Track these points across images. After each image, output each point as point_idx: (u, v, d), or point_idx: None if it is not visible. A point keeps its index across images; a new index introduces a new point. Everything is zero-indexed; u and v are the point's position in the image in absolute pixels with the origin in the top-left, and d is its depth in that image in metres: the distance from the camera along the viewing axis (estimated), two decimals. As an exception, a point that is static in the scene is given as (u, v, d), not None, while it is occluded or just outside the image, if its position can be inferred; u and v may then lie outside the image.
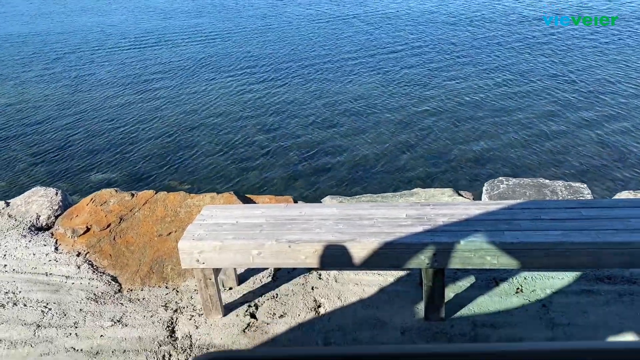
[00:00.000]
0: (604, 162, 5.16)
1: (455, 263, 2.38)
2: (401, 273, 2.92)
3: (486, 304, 2.66)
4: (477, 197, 3.75)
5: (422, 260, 2.40)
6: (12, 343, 2.65)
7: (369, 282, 2.88)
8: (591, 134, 5.73)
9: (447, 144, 5.72)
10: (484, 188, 3.61)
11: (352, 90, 7.56)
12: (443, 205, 2.72)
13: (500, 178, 3.70)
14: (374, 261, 2.46)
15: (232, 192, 3.81)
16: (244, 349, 2.30)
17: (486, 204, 2.67)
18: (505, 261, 2.31)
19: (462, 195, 3.63)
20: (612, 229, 2.30)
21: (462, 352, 0.68)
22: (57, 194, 3.90)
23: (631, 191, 3.56)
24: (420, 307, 2.65)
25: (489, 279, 2.83)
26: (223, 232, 2.60)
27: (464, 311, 2.63)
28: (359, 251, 2.45)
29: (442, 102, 6.90)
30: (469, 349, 0.68)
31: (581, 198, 3.39)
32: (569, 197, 3.38)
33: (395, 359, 0.68)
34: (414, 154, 5.57)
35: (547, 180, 3.61)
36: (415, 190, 3.83)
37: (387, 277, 2.91)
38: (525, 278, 2.79)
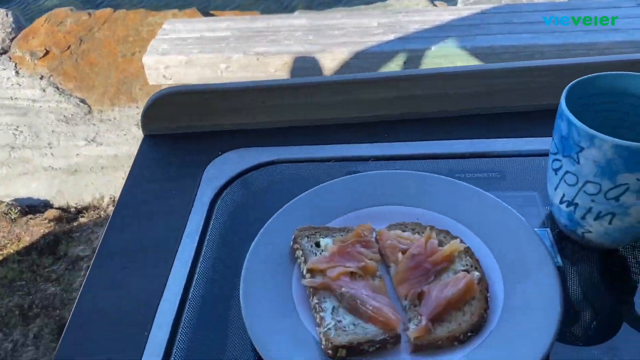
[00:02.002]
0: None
1: (425, 70, 2.38)
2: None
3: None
4: (452, 8, 3.62)
5: (392, 68, 2.39)
6: (-11, 164, 2.69)
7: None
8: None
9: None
10: (459, -3, 3.48)
11: None
12: (415, 12, 2.64)
13: (476, -14, 3.54)
14: (344, 71, 2.44)
15: (195, 9, 3.59)
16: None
17: (459, 10, 2.60)
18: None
19: (436, 6, 3.50)
20: (583, 31, 2.29)
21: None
22: (7, 15, 3.63)
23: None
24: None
25: (458, 89, 2.87)
26: (188, 47, 2.52)
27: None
28: (329, 62, 2.42)
29: None
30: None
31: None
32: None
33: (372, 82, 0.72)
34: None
35: (524, -13, 3.48)
36: (388, 2, 3.67)
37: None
38: (493, 86, 2.84)
